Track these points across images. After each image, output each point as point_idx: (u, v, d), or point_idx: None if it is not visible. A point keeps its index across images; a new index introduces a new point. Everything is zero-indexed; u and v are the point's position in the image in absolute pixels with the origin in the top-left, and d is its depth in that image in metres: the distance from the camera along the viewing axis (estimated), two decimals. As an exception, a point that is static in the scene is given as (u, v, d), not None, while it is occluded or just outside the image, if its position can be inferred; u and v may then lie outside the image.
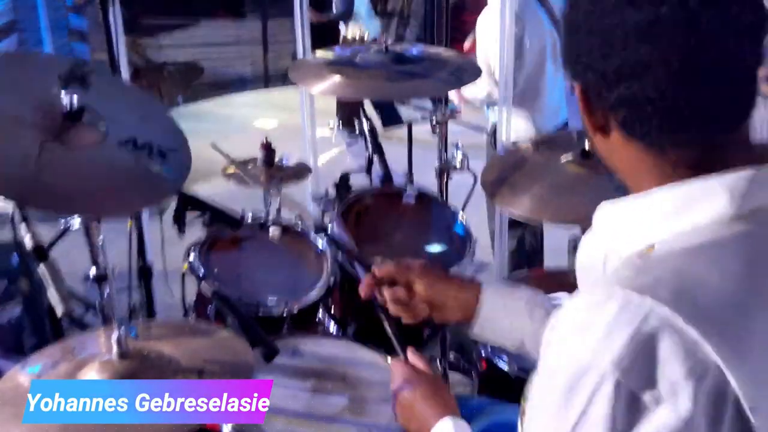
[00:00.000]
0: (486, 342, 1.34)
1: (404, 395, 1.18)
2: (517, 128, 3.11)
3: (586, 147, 1.81)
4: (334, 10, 5.87)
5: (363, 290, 1.27)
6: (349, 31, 6.01)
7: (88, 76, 1.53)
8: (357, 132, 2.64)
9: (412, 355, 1.27)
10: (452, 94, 3.18)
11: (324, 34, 4.63)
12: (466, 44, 3.60)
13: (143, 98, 1.95)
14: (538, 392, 0.79)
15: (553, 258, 3.19)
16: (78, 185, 1.47)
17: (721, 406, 0.68)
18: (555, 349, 0.75)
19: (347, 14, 5.91)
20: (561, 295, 1.23)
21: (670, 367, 0.67)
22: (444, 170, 2.53)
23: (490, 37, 3.04)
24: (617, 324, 0.69)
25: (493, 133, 3.22)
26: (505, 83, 2.96)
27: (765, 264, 0.75)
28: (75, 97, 1.52)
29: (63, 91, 1.52)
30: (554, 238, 3.16)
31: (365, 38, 4.63)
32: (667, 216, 0.79)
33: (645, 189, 0.82)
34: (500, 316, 1.18)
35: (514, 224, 3.20)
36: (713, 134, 0.78)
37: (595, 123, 0.83)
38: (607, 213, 0.86)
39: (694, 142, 0.78)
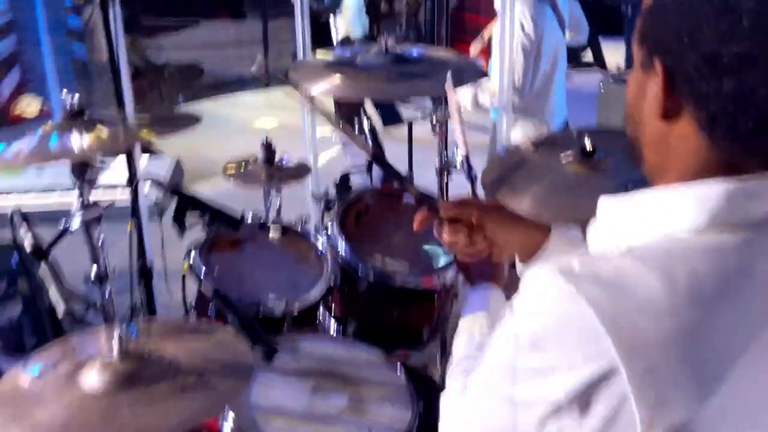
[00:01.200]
0: None
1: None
2: (526, 131, 3.17)
3: (587, 147, 1.82)
4: (325, 1, 5.88)
5: (417, 223, 1.24)
6: (339, 25, 6.02)
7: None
8: (357, 131, 2.64)
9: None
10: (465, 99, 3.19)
11: (317, 34, 4.64)
12: (473, 50, 3.59)
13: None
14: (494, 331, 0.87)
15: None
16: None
17: (608, 391, 0.72)
18: (512, 302, 0.82)
19: (334, 7, 5.91)
20: None
21: (572, 349, 0.74)
22: (444, 169, 2.53)
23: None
24: (543, 299, 0.77)
25: (495, 138, 3.23)
26: (504, 87, 2.97)
27: (714, 280, 0.74)
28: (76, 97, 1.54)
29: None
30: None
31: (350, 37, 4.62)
32: (646, 220, 0.80)
33: (664, 179, 0.82)
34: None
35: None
36: None
37: (665, 106, 0.79)
38: (603, 207, 0.87)
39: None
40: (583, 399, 0.73)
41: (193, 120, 1.85)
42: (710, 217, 0.76)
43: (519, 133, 3.21)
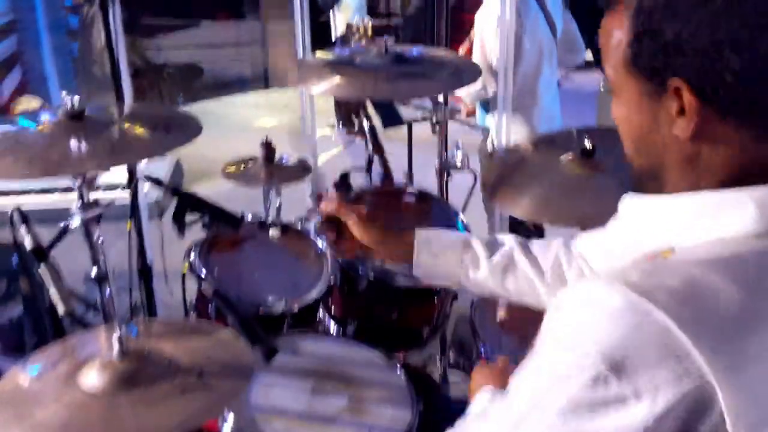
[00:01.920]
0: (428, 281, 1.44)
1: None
2: (514, 132, 3.10)
3: (587, 146, 1.82)
4: None
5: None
6: (338, 22, 6.02)
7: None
8: (356, 130, 2.64)
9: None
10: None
11: (317, 33, 4.64)
12: (462, 50, 3.59)
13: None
14: (527, 364, 0.80)
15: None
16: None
17: (702, 415, 0.68)
18: (554, 328, 0.76)
19: (333, 2, 5.91)
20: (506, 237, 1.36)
21: (657, 370, 0.68)
22: (444, 170, 2.53)
23: (489, 30, 3.04)
24: (615, 319, 0.70)
25: (486, 140, 3.22)
26: (504, 85, 2.96)
27: None
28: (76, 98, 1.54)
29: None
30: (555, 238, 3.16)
31: (360, 27, 4.60)
32: (694, 222, 0.77)
33: (676, 188, 0.80)
34: (435, 262, 1.34)
35: (514, 227, 3.21)
36: None
37: (697, 125, 0.77)
38: (634, 206, 0.84)
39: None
40: (673, 423, 0.69)
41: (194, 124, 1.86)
42: (767, 222, 0.73)
43: (503, 134, 3.16)
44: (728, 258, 0.73)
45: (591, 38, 7.29)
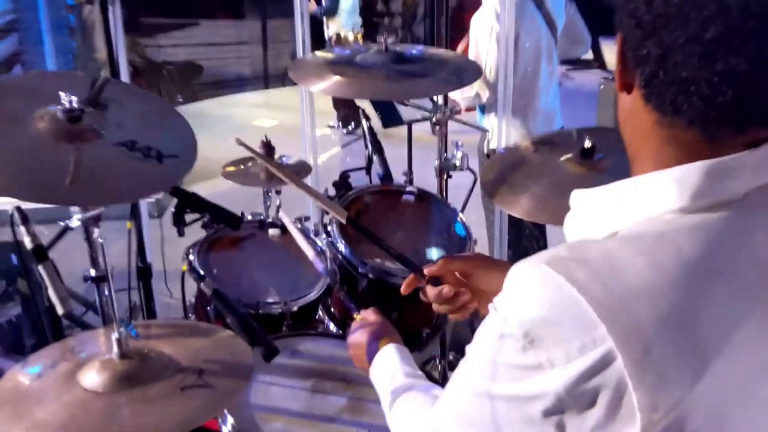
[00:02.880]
0: None
1: (355, 336, 1.35)
2: (510, 134, 3.11)
3: (586, 146, 1.82)
4: (323, 3, 5.90)
5: (404, 288, 1.31)
6: (331, 28, 6.04)
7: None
8: (354, 129, 2.64)
9: (364, 312, 1.42)
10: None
11: (317, 34, 4.67)
12: (460, 47, 3.59)
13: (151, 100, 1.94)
14: (468, 354, 0.86)
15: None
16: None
17: (605, 381, 0.72)
18: (495, 299, 0.81)
19: (333, 11, 5.93)
20: None
21: (567, 340, 0.73)
22: (444, 169, 2.53)
23: (484, 36, 3.04)
24: (532, 292, 0.76)
25: (484, 140, 3.22)
26: (504, 87, 2.96)
27: (702, 258, 0.75)
28: (74, 99, 1.53)
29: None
30: (556, 238, 3.17)
31: (348, 37, 4.62)
32: (627, 206, 0.80)
33: (643, 170, 0.82)
34: None
35: (514, 226, 3.21)
36: (741, 128, 0.75)
37: (622, 80, 0.81)
38: (581, 197, 0.87)
39: (712, 132, 0.76)
40: (584, 390, 0.73)
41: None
42: (691, 196, 0.76)
43: (503, 135, 3.17)
44: (646, 234, 0.77)
45: (594, 39, 7.29)
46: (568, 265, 0.75)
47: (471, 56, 3.12)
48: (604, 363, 0.71)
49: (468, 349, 0.86)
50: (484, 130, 3.20)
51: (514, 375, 0.77)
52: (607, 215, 0.82)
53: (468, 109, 3.43)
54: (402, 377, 1.22)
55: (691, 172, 0.76)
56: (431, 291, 1.27)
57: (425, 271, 1.28)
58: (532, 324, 0.75)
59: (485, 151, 3.20)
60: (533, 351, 0.75)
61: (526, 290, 0.76)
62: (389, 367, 1.26)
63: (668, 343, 0.72)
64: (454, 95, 3.14)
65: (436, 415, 0.93)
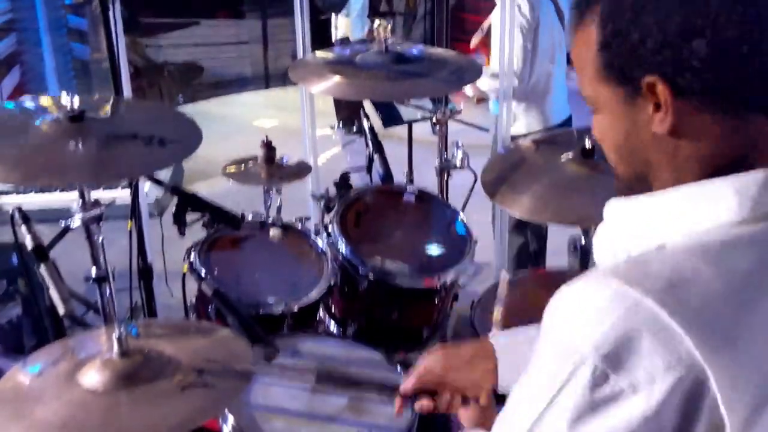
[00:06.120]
0: None
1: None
2: (529, 122, 3.24)
3: (587, 146, 1.82)
4: None
5: (397, 411, 1.31)
6: (340, 30, 6.02)
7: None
8: (356, 130, 2.64)
9: None
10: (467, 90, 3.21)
11: (317, 33, 4.64)
12: (473, 42, 3.61)
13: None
14: (527, 373, 0.80)
15: (555, 259, 3.19)
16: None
17: (697, 402, 0.69)
18: (546, 333, 0.76)
19: (340, 6, 5.89)
20: None
21: (650, 359, 0.68)
22: (444, 169, 2.53)
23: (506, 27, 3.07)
24: (605, 312, 0.70)
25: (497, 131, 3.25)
26: (505, 77, 2.98)
27: (759, 271, 0.73)
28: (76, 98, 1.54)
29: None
30: (556, 238, 3.16)
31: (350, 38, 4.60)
32: (678, 217, 0.78)
33: (663, 187, 0.80)
34: (516, 369, 1.16)
35: (517, 225, 3.23)
36: None
37: (674, 120, 0.78)
38: (618, 210, 0.84)
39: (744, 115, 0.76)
40: (673, 410, 0.69)
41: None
42: (752, 207, 0.75)
43: (522, 128, 3.23)
44: (710, 245, 0.74)
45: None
46: (638, 279, 0.71)
47: (494, 51, 3.17)
48: (694, 381, 0.68)
49: (518, 405, 0.79)
50: (485, 130, 3.22)
51: (597, 412, 0.70)
52: (654, 226, 0.79)
53: (479, 101, 3.46)
54: None
55: (752, 180, 0.75)
56: (417, 405, 1.26)
57: (400, 390, 1.27)
58: (611, 346, 0.69)
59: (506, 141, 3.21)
60: (614, 377, 0.69)
61: (597, 311, 0.71)
62: None
63: (745, 360, 0.69)
64: (481, 84, 3.18)
65: None
